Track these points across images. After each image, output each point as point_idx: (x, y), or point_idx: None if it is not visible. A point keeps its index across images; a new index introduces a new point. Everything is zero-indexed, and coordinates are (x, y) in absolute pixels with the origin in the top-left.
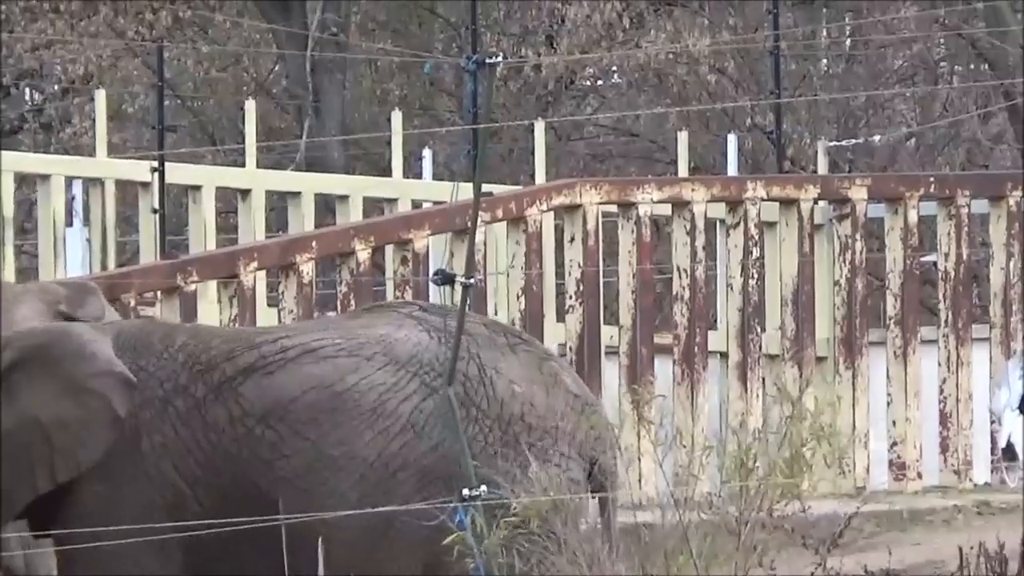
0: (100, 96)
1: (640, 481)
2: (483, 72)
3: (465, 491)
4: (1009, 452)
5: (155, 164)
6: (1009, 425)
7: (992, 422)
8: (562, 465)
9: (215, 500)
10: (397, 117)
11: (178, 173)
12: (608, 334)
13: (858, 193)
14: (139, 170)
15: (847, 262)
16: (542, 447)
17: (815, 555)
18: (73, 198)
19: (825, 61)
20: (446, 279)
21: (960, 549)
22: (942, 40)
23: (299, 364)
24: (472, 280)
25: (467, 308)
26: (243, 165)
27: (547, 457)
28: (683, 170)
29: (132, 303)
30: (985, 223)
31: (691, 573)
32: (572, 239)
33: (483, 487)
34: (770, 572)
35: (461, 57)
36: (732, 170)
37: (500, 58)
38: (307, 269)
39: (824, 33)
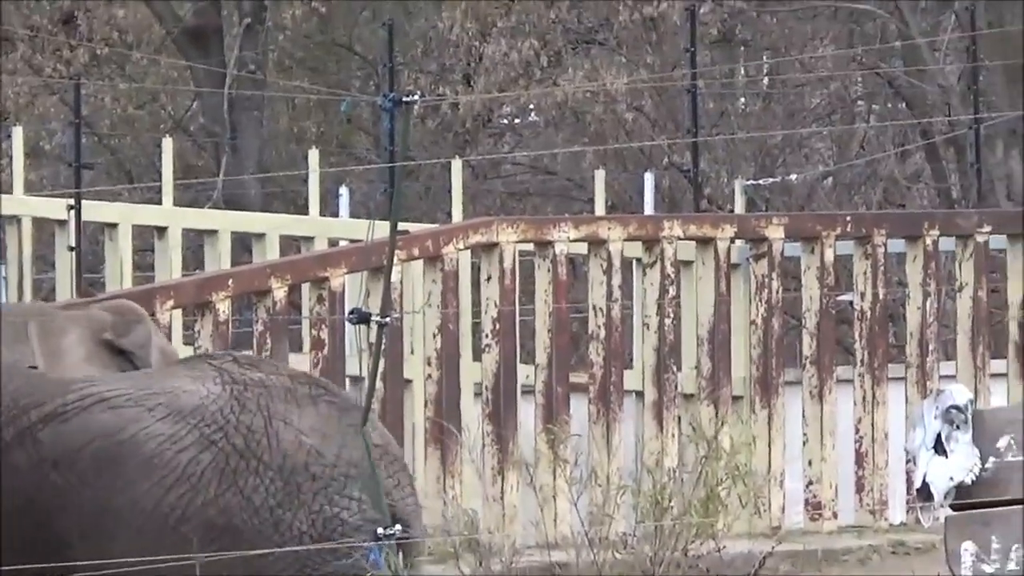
0: (17, 133)
1: (555, 520)
2: (400, 110)
3: (380, 530)
4: (924, 492)
5: (72, 202)
6: (924, 465)
7: (907, 461)
8: (352, 508)
9: (20, 544)
10: (314, 155)
11: (95, 211)
12: (524, 373)
13: (775, 232)
14: (56, 207)
15: (763, 301)
16: (328, 495)
17: None
18: None
19: (743, 100)
20: (362, 318)
21: None
22: (860, 79)
23: (91, 413)
24: (388, 319)
25: (381, 348)
26: (160, 203)
27: (336, 503)
28: (600, 208)
29: None
30: (902, 262)
31: None
32: (489, 278)
33: (397, 526)
34: None
35: (378, 95)
36: (649, 209)
37: (417, 96)
38: (223, 307)
39: (742, 72)
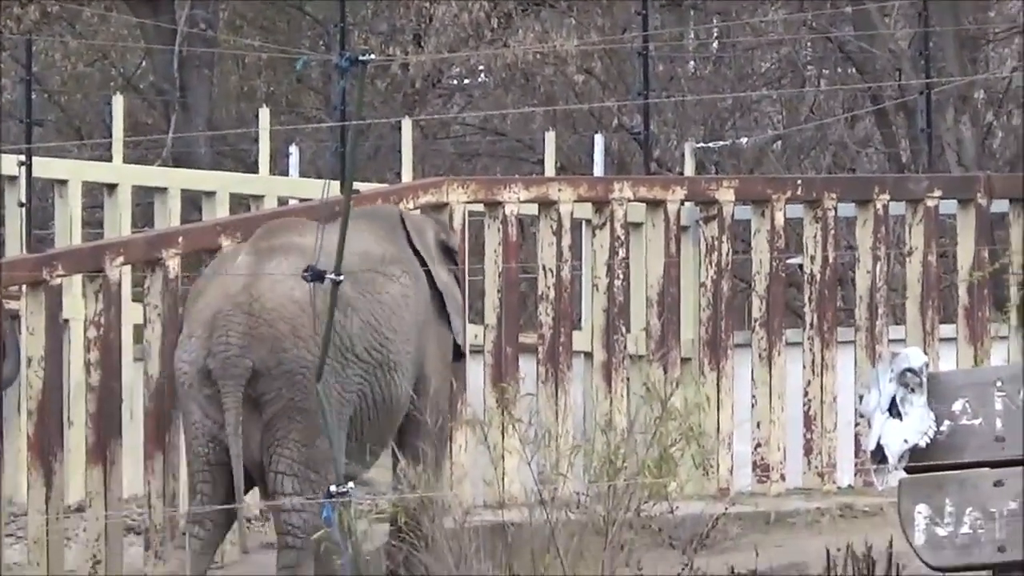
0: None
1: (505, 480)
2: (355, 69)
3: (332, 488)
4: (878, 455)
5: (22, 158)
6: (879, 428)
7: (856, 425)
8: None
9: None
10: (265, 114)
11: (45, 167)
12: (473, 332)
13: (725, 195)
14: (6, 164)
15: (713, 264)
16: None
17: (682, 555)
18: None
19: (693, 63)
20: (316, 275)
21: (827, 551)
22: (810, 43)
23: None
24: (342, 277)
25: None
26: (110, 160)
27: None
28: (550, 170)
29: None
30: (852, 226)
31: (558, 572)
32: None
33: (350, 484)
34: (637, 572)
35: (329, 55)
36: (599, 170)
37: (372, 56)
38: (173, 264)
39: (692, 35)
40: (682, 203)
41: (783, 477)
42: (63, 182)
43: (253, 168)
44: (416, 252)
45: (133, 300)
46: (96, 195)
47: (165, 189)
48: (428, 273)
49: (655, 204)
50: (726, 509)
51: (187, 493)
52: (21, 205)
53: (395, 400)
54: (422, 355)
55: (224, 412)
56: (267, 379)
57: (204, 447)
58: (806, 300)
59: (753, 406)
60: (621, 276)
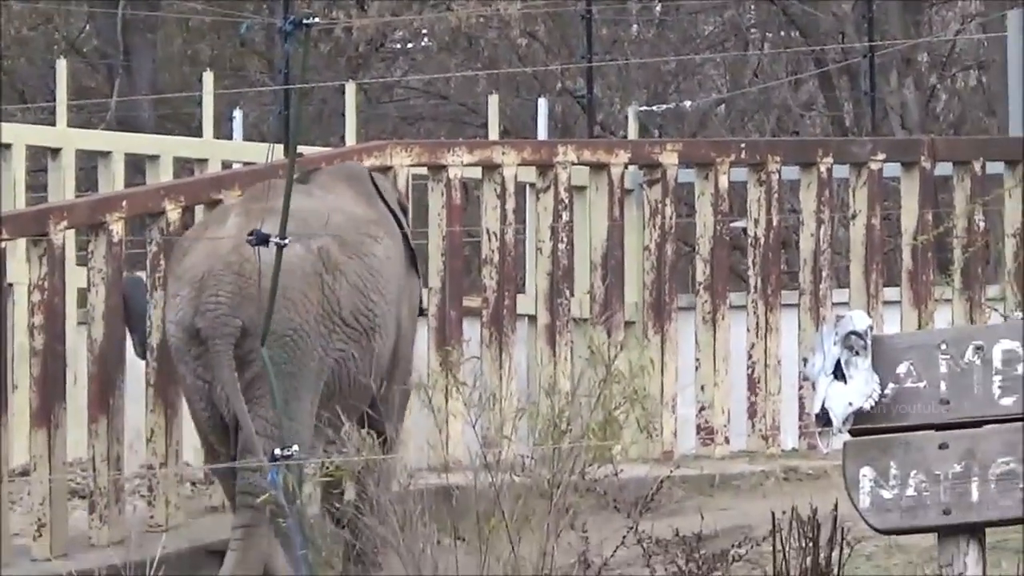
0: None
1: (449, 443)
2: (300, 32)
3: (277, 451)
4: (823, 418)
5: None
6: (823, 391)
7: (800, 388)
8: None
9: None
10: (208, 77)
11: None
12: None
13: (669, 158)
14: None
15: (657, 227)
16: None
17: (627, 518)
18: None
19: (636, 26)
20: (260, 239)
21: (772, 514)
22: (753, 6)
23: None
24: (287, 241)
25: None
26: (53, 124)
27: None
28: (493, 134)
29: None
30: (796, 189)
31: (503, 535)
32: None
33: (295, 447)
34: (582, 535)
35: (272, 18)
36: (543, 134)
37: (317, 19)
38: (117, 228)
39: None
40: (626, 167)
41: (727, 440)
42: (7, 146)
43: (197, 132)
44: (391, 211)
45: (77, 264)
46: (40, 159)
47: (109, 153)
48: (402, 231)
49: (599, 168)
50: (671, 472)
51: (128, 456)
52: None
53: (375, 365)
54: (399, 316)
55: (216, 370)
56: (254, 338)
57: (205, 410)
58: (750, 263)
59: (697, 369)
60: (565, 240)
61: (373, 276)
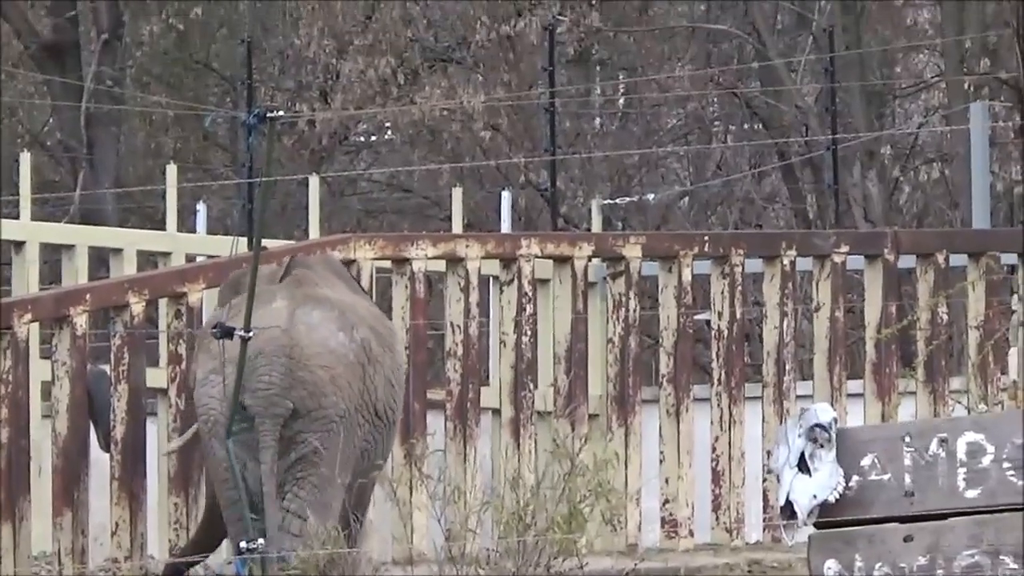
0: None
1: (411, 536)
2: (264, 126)
3: (243, 543)
4: (787, 510)
5: None
6: (788, 483)
7: (764, 480)
8: None
9: None
10: (172, 170)
11: None
12: None
13: (632, 251)
14: None
15: (620, 320)
16: None
17: None
18: None
19: (599, 119)
20: (225, 332)
21: None
22: (716, 99)
23: None
24: (251, 334)
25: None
26: (17, 217)
27: None
28: (457, 226)
29: None
30: (759, 282)
31: None
32: None
33: (260, 540)
34: None
35: (236, 111)
36: (506, 227)
37: (282, 112)
38: (81, 321)
39: (599, 91)
40: (589, 259)
41: (691, 533)
42: None
43: (160, 225)
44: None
45: (41, 357)
46: (4, 252)
47: (73, 246)
48: None
49: (562, 260)
50: (635, 565)
51: (93, 549)
52: None
53: (384, 456)
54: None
55: (260, 450)
56: (303, 421)
57: (232, 489)
58: (713, 356)
59: (661, 462)
60: (529, 332)
61: (398, 371)
